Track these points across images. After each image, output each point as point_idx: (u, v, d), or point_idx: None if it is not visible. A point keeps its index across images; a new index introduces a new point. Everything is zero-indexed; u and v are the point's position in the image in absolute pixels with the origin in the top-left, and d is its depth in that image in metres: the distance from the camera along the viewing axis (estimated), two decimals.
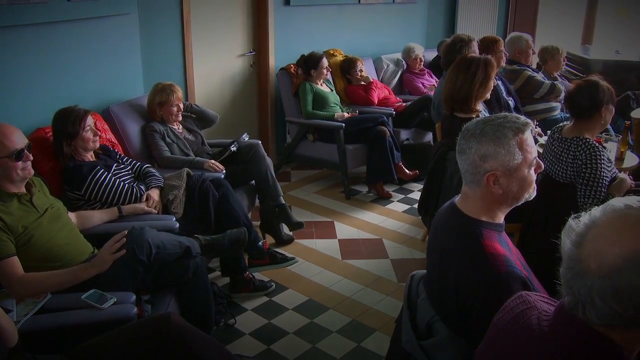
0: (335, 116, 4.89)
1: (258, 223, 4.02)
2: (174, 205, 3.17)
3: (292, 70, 5.11)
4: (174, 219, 2.99)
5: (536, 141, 4.00)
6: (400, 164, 4.99)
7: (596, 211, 1.12)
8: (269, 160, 3.96)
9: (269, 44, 5.25)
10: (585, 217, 1.12)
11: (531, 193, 1.73)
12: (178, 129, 3.86)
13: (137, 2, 3.97)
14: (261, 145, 4.00)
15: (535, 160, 1.70)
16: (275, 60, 5.32)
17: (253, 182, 3.97)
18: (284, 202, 3.97)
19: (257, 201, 4.02)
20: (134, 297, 2.26)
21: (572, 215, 1.15)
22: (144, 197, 3.08)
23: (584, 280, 1.07)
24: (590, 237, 1.08)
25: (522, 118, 1.72)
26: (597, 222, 1.09)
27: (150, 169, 3.31)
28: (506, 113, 1.77)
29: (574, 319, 1.10)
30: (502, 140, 1.65)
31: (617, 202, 1.11)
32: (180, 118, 3.85)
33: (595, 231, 1.08)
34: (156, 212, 3.08)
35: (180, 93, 3.81)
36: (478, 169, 1.67)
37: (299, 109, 5.05)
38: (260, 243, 3.46)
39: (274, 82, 5.33)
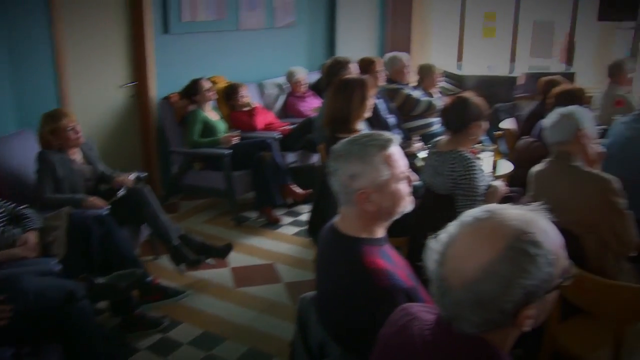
0: (221, 139, 4.87)
1: (149, 258, 3.92)
2: (55, 247, 3.02)
3: (174, 99, 5.04)
4: (55, 261, 2.85)
5: (414, 156, 4.23)
6: (291, 185, 5.03)
7: (451, 227, 1.17)
8: (156, 204, 3.76)
9: (148, 73, 5.15)
10: (442, 235, 1.17)
11: (405, 206, 1.78)
12: (77, 158, 3.69)
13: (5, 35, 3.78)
14: (147, 190, 3.79)
15: (404, 174, 1.77)
16: (157, 90, 5.24)
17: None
18: (176, 243, 3.75)
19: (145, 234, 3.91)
20: (10, 352, 2.13)
21: (431, 235, 1.21)
22: (20, 241, 2.91)
23: (450, 297, 1.12)
24: (450, 255, 1.14)
25: (386, 134, 1.79)
26: (454, 239, 1.15)
27: (24, 211, 3.13)
28: (372, 131, 1.85)
29: (452, 328, 1.16)
30: (368, 158, 1.71)
31: (467, 215, 1.17)
32: (82, 140, 3.67)
33: (453, 248, 1.14)
34: (34, 255, 2.91)
35: (73, 115, 3.63)
36: (349, 189, 1.72)
37: (184, 138, 4.99)
38: (149, 279, 3.36)
39: (157, 112, 5.23)
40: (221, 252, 3.92)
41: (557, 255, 1.12)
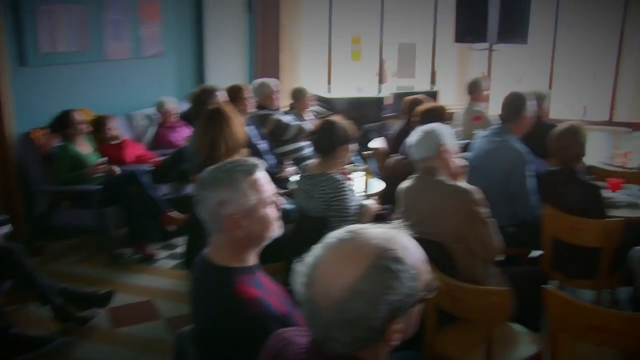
0: (88, 170, 4.65)
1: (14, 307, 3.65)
2: None
3: (36, 134, 4.77)
4: None
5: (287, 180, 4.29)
6: (169, 212, 4.85)
7: (316, 249, 1.20)
8: (29, 264, 3.49)
9: (4, 108, 4.82)
10: (308, 257, 1.20)
11: (274, 231, 1.81)
12: None
13: None
14: (18, 249, 3.51)
15: (271, 198, 1.79)
16: (16, 126, 4.92)
17: None
18: (58, 302, 3.50)
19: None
20: None
21: (296, 259, 1.23)
22: None
23: (320, 319, 1.15)
24: (316, 276, 1.16)
25: (252, 160, 1.82)
26: (319, 261, 1.17)
27: None
28: (238, 157, 1.86)
29: (325, 349, 1.18)
30: (235, 184, 1.72)
31: (331, 237, 1.20)
32: None
33: (319, 270, 1.16)
34: None
35: None
36: (217, 216, 1.72)
37: (51, 175, 4.71)
38: (13, 331, 3.12)
39: (16, 149, 4.91)
40: (102, 301, 3.75)
41: (419, 270, 1.18)
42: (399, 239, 1.19)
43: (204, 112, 3.60)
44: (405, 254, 1.15)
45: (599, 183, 3.66)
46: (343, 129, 3.24)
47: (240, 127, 3.60)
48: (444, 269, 2.48)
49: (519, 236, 3.61)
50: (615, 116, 7.70)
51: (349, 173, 3.95)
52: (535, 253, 3.68)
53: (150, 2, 6.43)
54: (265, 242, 1.81)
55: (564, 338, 2.30)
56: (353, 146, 3.30)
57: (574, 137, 3.39)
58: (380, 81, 7.98)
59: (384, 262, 1.13)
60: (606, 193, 3.66)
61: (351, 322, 1.12)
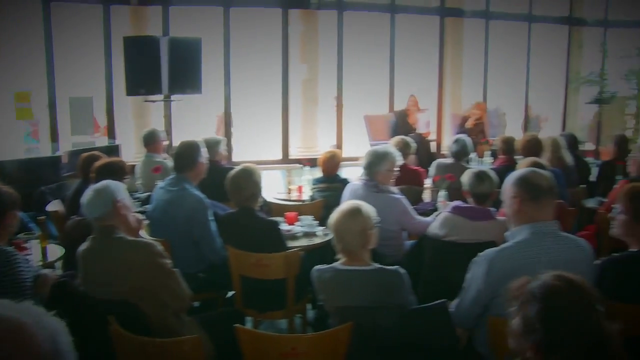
0: None
1: None
2: None
3: None
4: None
5: None
6: None
7: None
8: None
9: None
10: None
11: None
12: None
13: None
14: None
15: None
16: None
17: None
18: None
19: None
20: None
21: None
22: None
23: None
24: None
25: None
26: None
27: None
28: None
29: None
30: None
31: None
32: None
33: None
34: None
35: None
36: None
37: None
38: None
39: None
40: None
41: None
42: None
43: None
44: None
45: (277, 218, 3.93)
46: (8, 194, 2.91)
47: None
48: (133, 327, 2.41)
49: (210, 280, 3.66)
50: (289, 154, 8.52)
51: (24, 242, 3.59)
52: (231, 293, 3.76)
53: None
54: None
55: None
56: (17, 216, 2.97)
57: (248, 178, 3.58)
58: (55, 139, 7.40)
59: None
60: (284, 226, 3.94)
61: None
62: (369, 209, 2.73)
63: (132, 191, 3.98)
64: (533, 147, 5.12)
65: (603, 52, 10.37)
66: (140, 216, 3.01)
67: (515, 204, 2.47)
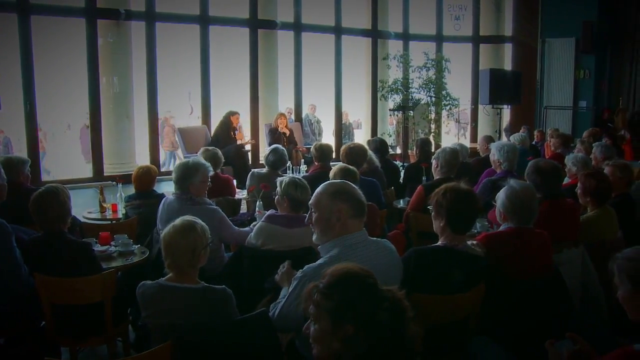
0: None
1: None
2: None
3: None
4: None
5: None
6: None
7: None
8: None
9: None
10: None
11: None
12: None
13: None
14: None
15: None
16: None
17: None
18: None
19: None
20: None
21: None
22: None
23: None
24: None
25: None
26: None
27: None
28: None
29: None
30: None
31: None
32: None
33: None
34: None
35: None
36: None
37: None
38: None
39: None
40: None
41: None
42: None
43: None
44: None
45: (90, 239, 3.74)
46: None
47: None
48: None
49: (17, 312, 3.38)
50: (104, 171, 8.18)
51: None
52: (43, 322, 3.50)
53: None
54: None
55: None
56: None
57: (52, 199, 3.34)
58: None
59: None
60: (98, 247, 3.76)
61: None
62: (204, 227, 2.69)
63: None
64: (356, 155, 5.24)
65: (405, 63, 11.29)
66: None
67: (341, 218, 2.56)
